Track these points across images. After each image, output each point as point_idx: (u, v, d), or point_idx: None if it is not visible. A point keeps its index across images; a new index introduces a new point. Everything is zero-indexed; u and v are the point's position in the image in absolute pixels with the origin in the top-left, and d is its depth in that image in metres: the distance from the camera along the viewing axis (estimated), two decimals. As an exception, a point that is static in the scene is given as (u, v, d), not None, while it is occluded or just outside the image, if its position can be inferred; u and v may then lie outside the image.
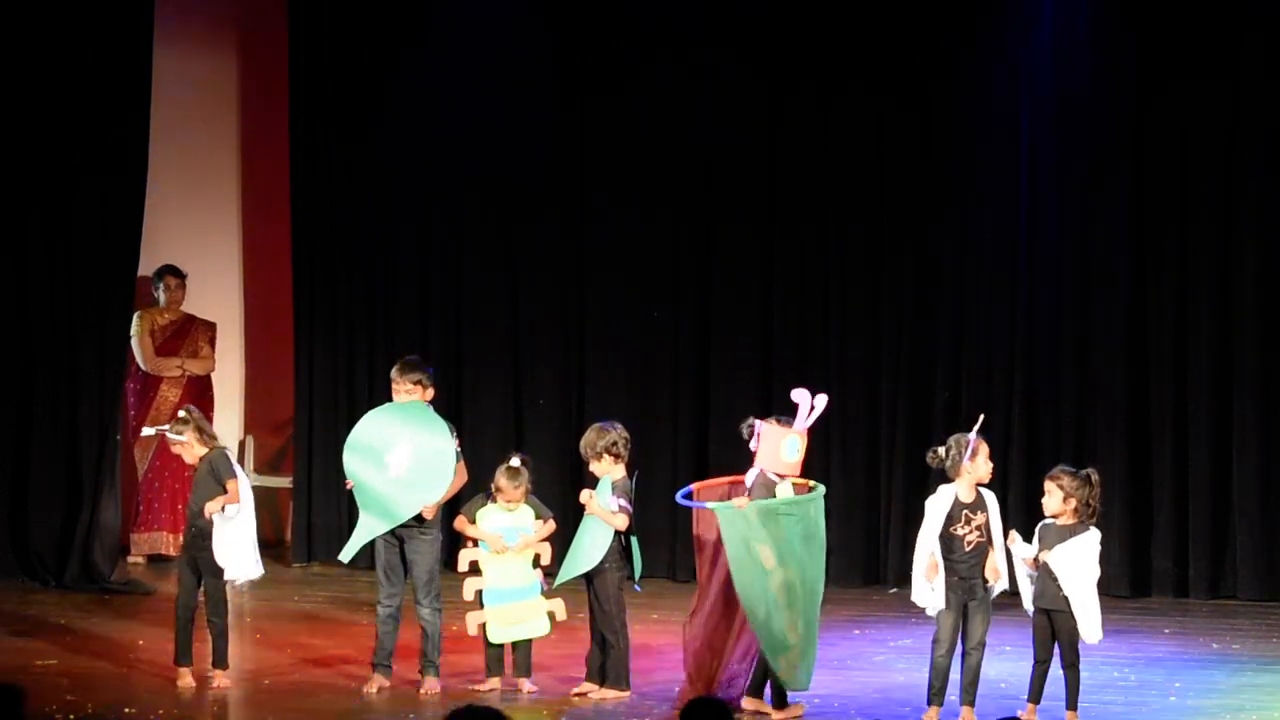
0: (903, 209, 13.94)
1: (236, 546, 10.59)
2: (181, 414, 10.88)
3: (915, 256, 13.94)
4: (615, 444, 10.50)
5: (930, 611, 9.97)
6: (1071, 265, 13.68)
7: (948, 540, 9.89)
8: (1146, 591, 13.46)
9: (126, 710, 10.00)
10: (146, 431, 11.15)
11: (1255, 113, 13.33)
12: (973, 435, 9.93)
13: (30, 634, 12.07)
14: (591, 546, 10.42)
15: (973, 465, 9.90)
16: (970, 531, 9.87)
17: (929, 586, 9.87)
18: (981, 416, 10.08)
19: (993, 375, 13.79)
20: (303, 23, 14.85)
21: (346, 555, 10.62)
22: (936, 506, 9.94)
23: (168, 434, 10.86)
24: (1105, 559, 13.33)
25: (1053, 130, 13.60)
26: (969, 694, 9.89)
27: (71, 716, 9.81)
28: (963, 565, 9.88)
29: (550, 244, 14.56)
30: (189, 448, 10.68)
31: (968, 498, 9.92)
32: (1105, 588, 13.28)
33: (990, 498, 9.97)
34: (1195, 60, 13.38)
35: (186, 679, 10.56)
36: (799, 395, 10.11)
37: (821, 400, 10.12)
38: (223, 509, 10.53)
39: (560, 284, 14.55)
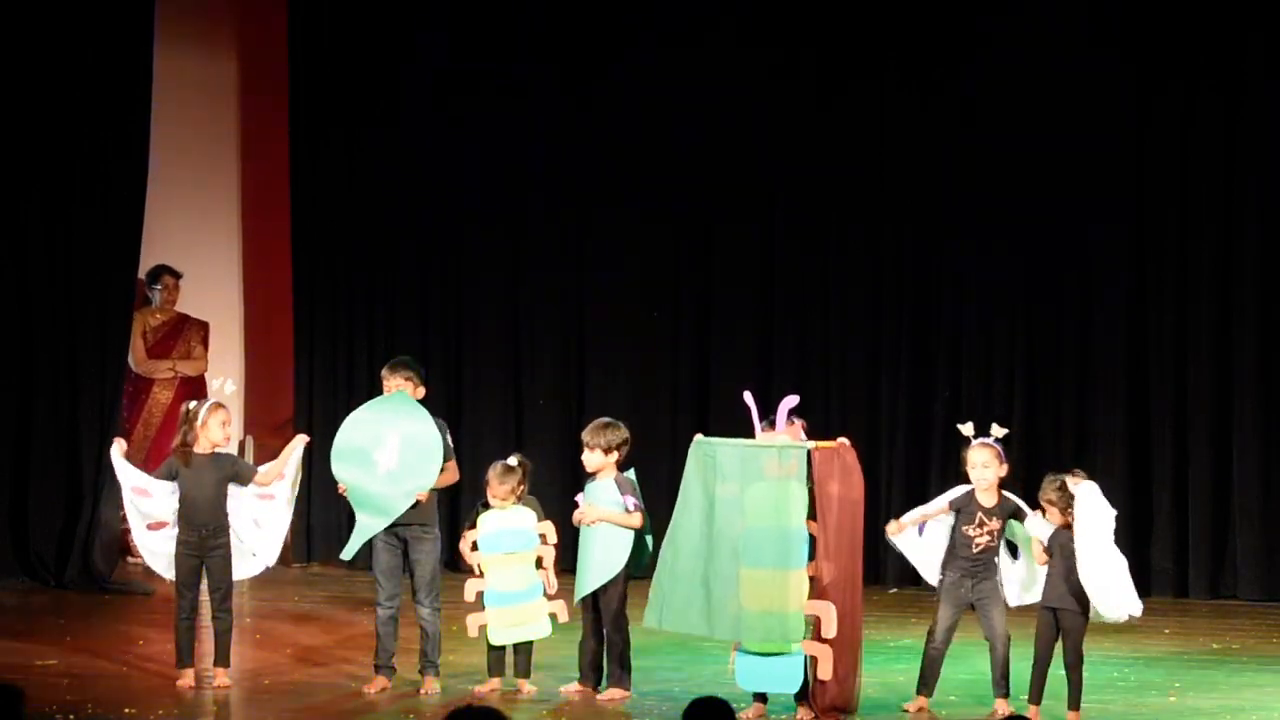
0: (903, 208, 13.95)
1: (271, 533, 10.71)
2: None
3: (915, 256, 13.95)
4: (624, 443, 10.49)
5: (927, 577, 10.13)
6: (1072, 265, 13.68)
7: (957, 538, 9.98)
8: (1146, 591, 13.39)
9: (126, 710, 10.00)
10: (230, 388, 11.02)
11: (1256, 115, 13.33)
12: (971, 437, 10.03)
13: (30, 634, 12.07)
14: (613, 549, 10.36)
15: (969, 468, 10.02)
16: (981, 534, 9.95)
17: (920, 549, 10.09)
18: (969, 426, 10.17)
19: (993, 375, 13.79)
20: (302, 22, 14.88)
21: (347, 554, 10.60)
22: (949, 492, 10.12)
23: (227, 389, 10.82)
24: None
25: (1054, 129, 13.60)
26: (1005, 689, 9.99)
27: (71, 716, 9.81)
28: (968, 564, 9.96)
29: (550, 244, 14.57)
30: (220, 429, 10.58)
31: (988, 501, 9.98)
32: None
33: (1017, 505, 10.04)
34: (1196, 60, 13.39)
35: (188, 679, 10.55)
36: (747, 398, 10.08)
37: (790, 400, 10.09)
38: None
39: (560, 284, 14.56)
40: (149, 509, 10.59)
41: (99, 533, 13.72)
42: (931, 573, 10.16)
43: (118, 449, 10.74)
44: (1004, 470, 10.04)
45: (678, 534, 10.02)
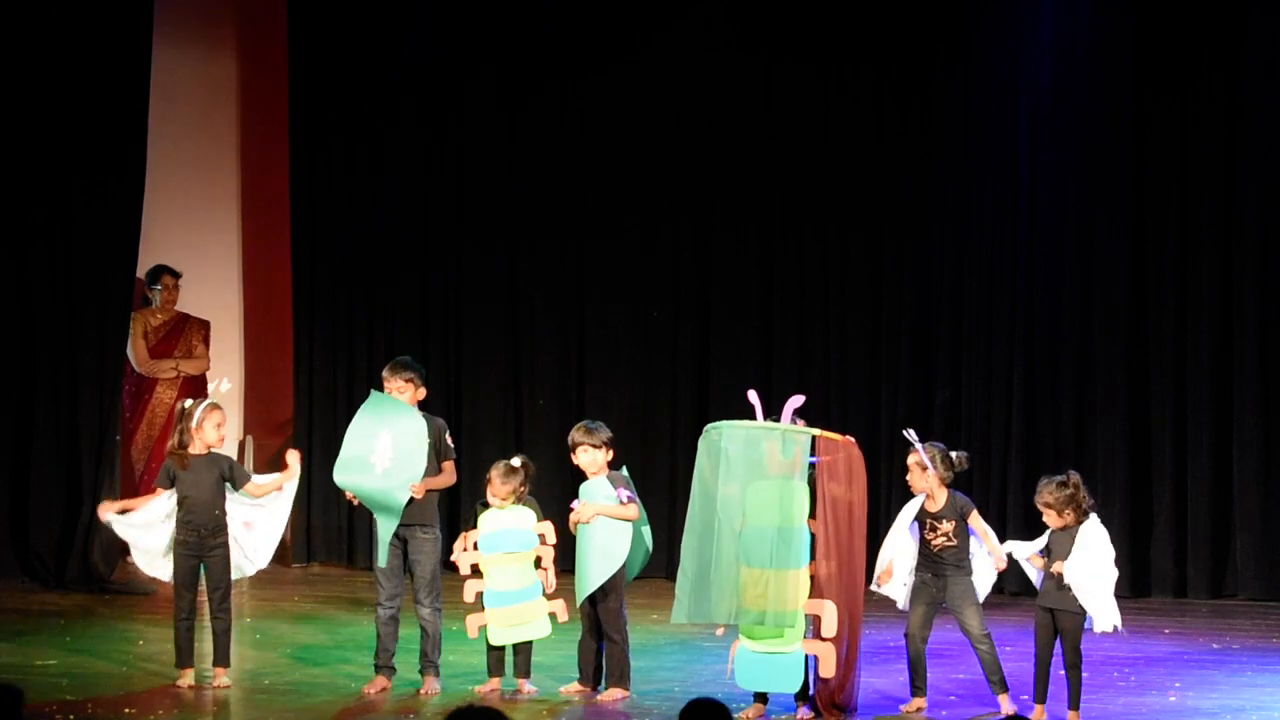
0: (903, 210, 13.95)
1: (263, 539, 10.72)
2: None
3: (915, 257, 13.95)
4: (612, 439, 10.51)
5: (899, 604, 10.17)
6: (1072, 266, 13.68)
7: (920, 544, 10.08)
8: (1146, 591, 13.46)
9: (126, 710, 10.00)
10: (225, 387, 11.10)
11: (1256, 114, 13.32)
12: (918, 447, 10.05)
13: (30, 634, 12.07)
14: (613, 545, 10.37)
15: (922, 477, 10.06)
16: (936, 537, 10.02)
17: (896, 582, 10.11)
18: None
19: (993, 375, 13.79)
20: (303, 23, 14.88)
21: (382, 560, 10.52)
22: (905, 511, 10.14)
23: (223, 388, 10.88)
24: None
25: (1053, 131, 13.60)
26: (1001, 684, 10.00)
27: (71, 716, 9.81)
28: (932, 564, 10.04)
29: (550, 245, 14.57)
30: (215, 431, 10.60)
31: (934, 506, 10.03)
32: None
33: (964, 503, 10.07)
34: (1196, 60, 13.39)
35: (187, 679, 10.56)
36: (752, 396, 10.07)
37: (795, 400, 10.08)
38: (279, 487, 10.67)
39: (560, 284, 14.56)
40: (153, 543, 10.61)
41: (99, 533, 13.72)
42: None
43: (108, 511, 10.67)
44: (930, 473, 10.01)
45: (693, 526, 10.00)
